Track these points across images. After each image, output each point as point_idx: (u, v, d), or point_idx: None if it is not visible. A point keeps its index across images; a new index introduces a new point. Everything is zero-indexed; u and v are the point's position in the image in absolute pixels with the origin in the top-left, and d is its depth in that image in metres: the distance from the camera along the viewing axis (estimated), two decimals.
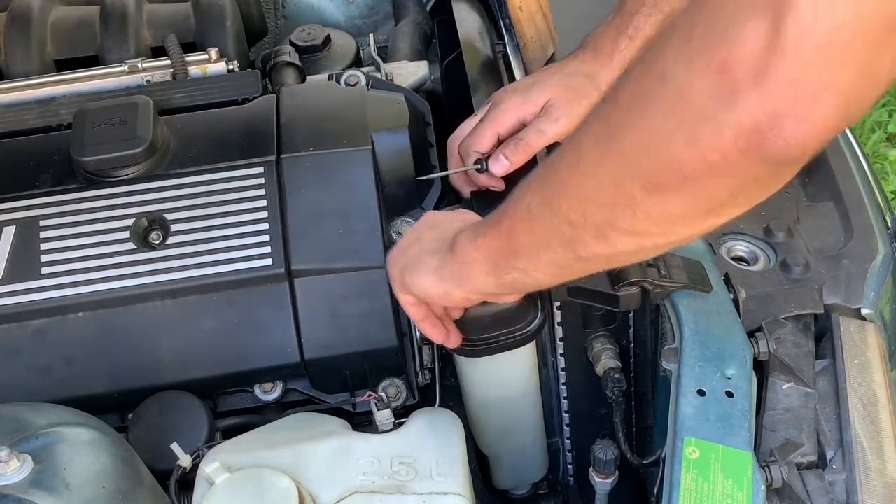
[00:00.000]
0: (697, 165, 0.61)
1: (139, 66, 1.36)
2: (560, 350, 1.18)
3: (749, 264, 1.13)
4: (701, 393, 0.97)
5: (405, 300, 0.98)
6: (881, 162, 2.80)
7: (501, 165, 1.12)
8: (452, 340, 1.02)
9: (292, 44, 1.53)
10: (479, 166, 1.14)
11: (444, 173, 1.21)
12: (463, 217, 1.00)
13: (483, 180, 1.17)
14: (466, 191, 1.21)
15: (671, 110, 0.61)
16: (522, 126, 1.13)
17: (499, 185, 1.16)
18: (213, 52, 1.38)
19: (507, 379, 1.16)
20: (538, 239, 0.79)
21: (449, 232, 0.94)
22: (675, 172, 0.62)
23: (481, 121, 1.16)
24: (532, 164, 1.13)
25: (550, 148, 1.13)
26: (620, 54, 1.12)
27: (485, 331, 1.05)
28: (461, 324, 1.04)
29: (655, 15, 1.12)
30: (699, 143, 0.60)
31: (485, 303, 1.01)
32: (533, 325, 1.06)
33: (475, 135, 1.16)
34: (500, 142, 1.15)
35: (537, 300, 1.07)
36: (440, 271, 0.92)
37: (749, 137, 0.57)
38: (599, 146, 0.69)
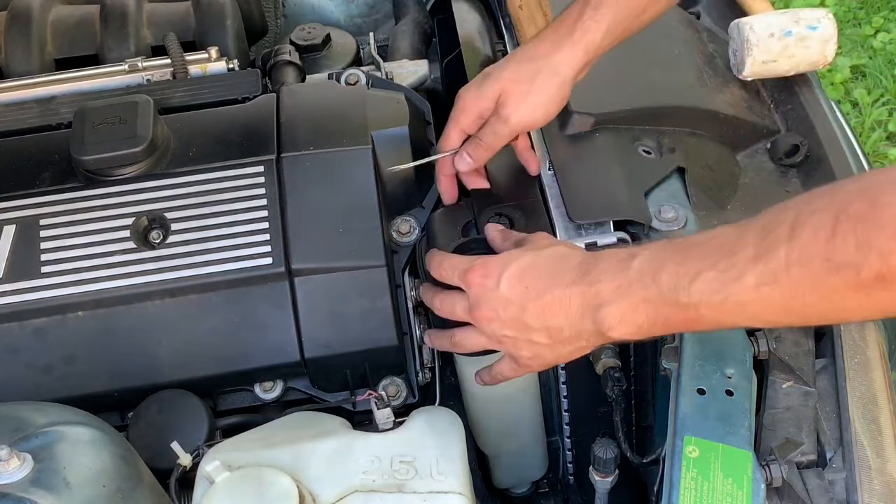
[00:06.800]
0: None
1: (139, 64, 1.36)
2: None
3: None
4: (701, 392, 0.97)
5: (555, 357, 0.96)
6: (881, 161, 2.80)
7: (465, 163, 1.15)
8: None
9: (292, 43, 1.53)
10: (446, 154, 1.15)
11: (412, 164, 1.19)
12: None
13: (468, 181, 1.18)
14: (449, 195, 1.20)
15: None
16: (482, 120, 1.13)
17: (482, 184, 1.18)
18: (214, 51, 1.38)
19: None
20: None
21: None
22: None
23: (448, 120, 1.17)
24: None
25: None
26: (583, 25, 1.08)
27: None
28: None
29: None
30: None
31: None
32: None
33: (443, 136, 1.17)
34: (468, 137, 1.15)
35: None
36: (644, 304, 0.85)
37: None
38: None
